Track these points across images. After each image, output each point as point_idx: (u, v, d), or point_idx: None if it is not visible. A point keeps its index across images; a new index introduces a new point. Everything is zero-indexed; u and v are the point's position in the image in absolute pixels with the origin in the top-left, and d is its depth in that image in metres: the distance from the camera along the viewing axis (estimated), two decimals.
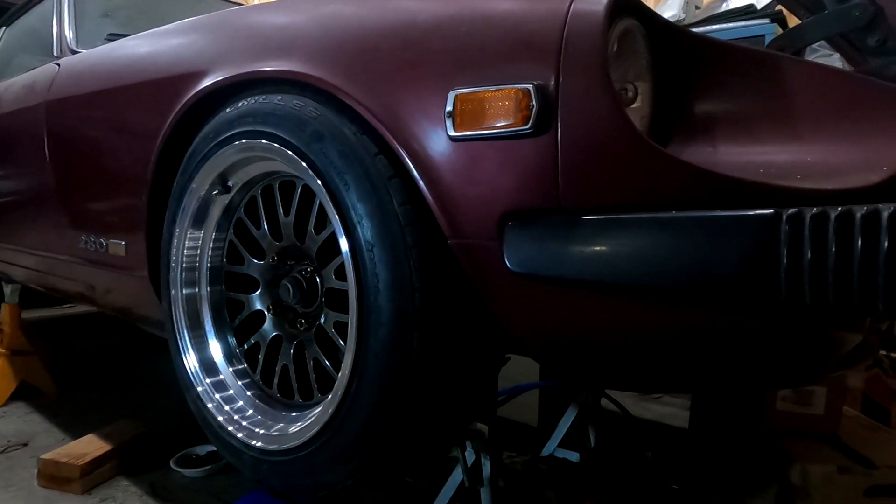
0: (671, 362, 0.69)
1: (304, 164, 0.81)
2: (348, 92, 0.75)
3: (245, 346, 1.02)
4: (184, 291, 1.00)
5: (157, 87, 1.05)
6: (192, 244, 1.00)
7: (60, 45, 1.68)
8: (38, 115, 1.44)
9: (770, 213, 0.53)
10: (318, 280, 0.92)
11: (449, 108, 0.68)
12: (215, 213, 1.01)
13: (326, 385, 0.88)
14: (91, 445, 1.44)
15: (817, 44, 2.66)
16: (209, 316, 1.00)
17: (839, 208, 0.50)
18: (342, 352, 0.86)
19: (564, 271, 0.64)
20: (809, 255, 0.50)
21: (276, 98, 0.85)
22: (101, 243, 1.31)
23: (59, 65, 1.49)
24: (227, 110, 0.92)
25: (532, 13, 0.66)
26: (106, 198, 1.25)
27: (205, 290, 1.00)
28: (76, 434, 1.55)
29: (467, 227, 0.69)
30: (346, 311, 0.85)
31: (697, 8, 2.89)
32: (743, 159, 0.68)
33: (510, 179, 0.66)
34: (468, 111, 0.66)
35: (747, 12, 2.70)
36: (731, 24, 2.74)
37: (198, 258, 1.00)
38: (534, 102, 0.62)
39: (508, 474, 1.46)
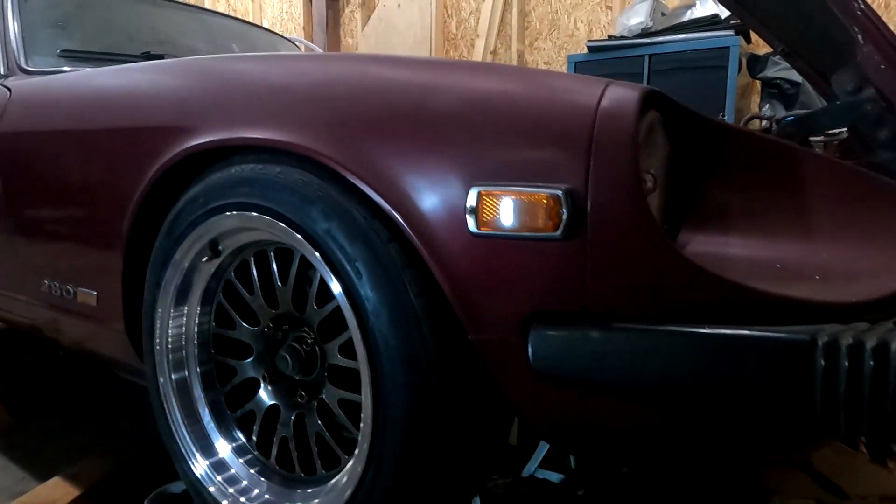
0: (680, 449, 0.71)
1: (309, 245, 0.77)
2: (358, 174, 0.72)
3: (238, 412, 0.98)
4: (173, 377, 0.95)
5: (136, 136, 0.98)
6: (176, 323, 0.95)
7: (6, 60, 1.54)
8: None
9: (806, 339, 0.54)
10: (318, 349, 0.89)
11: (471, 203, 0.66)
12: (201, 280, 0.95)
13: (332, 460, 0.86)
14: (58, 491, 1.36)
15: (776, 56, 2.72)
16: (204, 402, 0.95)
17: (875, 339, 0.51)
18: (348, 428, 0.83)
19: (591, 376, 0.63)
20: (845, 388, 0.51)
21: (276, 169, 0.80)
22: (67, 290, 1.23)
23: (8, 89, 1.37)
24: (218, 175, 0.87)
25: (558, 107, 0.64)
26: (73, 245, 1.17)
27: (195, 370, 0.95)
28: (37, 471, 1.45)
29: (489, 324, 0.68)
30: (352, 389, 0.83)
31: (663, 14, 2.93)
32: (758, 253, 0.69)
33: (536, 280, 0.64)
34: (492, 210, 0.64)
35: (713, 22, 2.76)
36: (697, 35, 2.79)
37: (184, 336, 0.95)
38: (564, 210, 0.61)
39: (491, 497, 1.47)
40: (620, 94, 0.63)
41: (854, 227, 0.68)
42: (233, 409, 0.99)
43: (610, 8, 3.53)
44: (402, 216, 0.70)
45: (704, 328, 0.58)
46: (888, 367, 0.50)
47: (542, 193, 0.62)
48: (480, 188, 0.65)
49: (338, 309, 0.82)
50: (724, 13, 2.81)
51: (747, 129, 0.73)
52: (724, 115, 2.65)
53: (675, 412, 0.64)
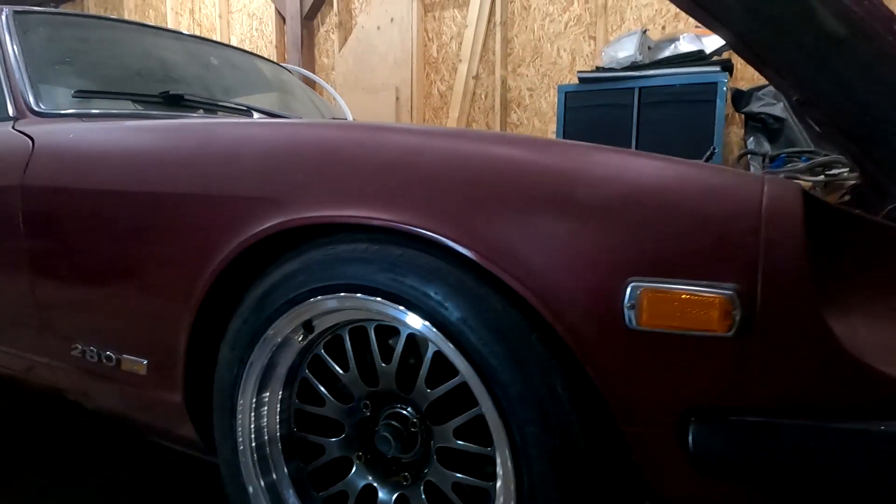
0: None
1: (441, 333, 0.74)
2: (498, 263, 0.70)
3: (323, 494, 0.94)
4: (262, 483, 0.90)
5: (215, 204, 0.92)
6: (260, 414, 0.91)
7: (14, 102, 1.44)
8: (10, 199, 1.23)
9: None
10: (423, 428, 0.86)
11: (631, 300, 0.65)
12: (288, 358, 0.91)
13: None
14: None
15: (761, 91, 2.85)
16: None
17: None
18: None
19: (758, 470, 0.64)
20: None
21: (396, 251, 0.78)
22: (108, 356, 1.15)
23: (30, 138, 1.27)
24: (321, 252, 0.83)
25: (722, 204, 0.65)
26: (120, 311, 1.09)
27: (283, 471, 0.91)
28: None
29: (644, 417, 0.67)
30: (466, 472, 0.81)
31: (650, 48, 3.02)
32: (886, 338, 0.71)
33: (699, 376, 0.65)
34: (657, 309, 0.64)
35: (699, 58, 2.87)
36: (684, 70, 2.90)
37: (266, 430, 0.91)
38: (738, 310, 0.61)
39: None
40: (782, 192, 0.64)
41: None
42: (318, 488, 0.95)
43: (593, 38, 3.62)
44: (548, 309, 0.69)
45: (880, 426, 0.60)
46: None
47: (714, 294, 0.62)
48: (641, 284, 0.65)
49: (453, 390, 0.80)
50: (709, 49, 2.93)
51: (860, 213, 0.76)
52: (714, 148, 2.76)
53: (824, 498, 0.65)
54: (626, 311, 0.66)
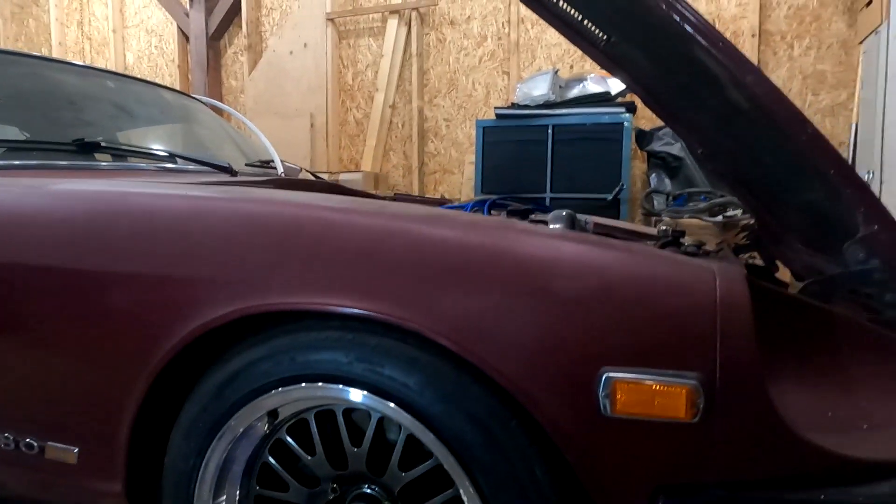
0: None
1: (416, 420, 0.75)
2: (477, 354, 0.73)
3: None
4: None
5: (165, 286, 0.88)
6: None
7: None
8: None
9: None
10: None
11: (604, 390, 0.70)
12: (248, 447, 0.88)
13: None
14: None
15: (661, 131, 3.10)
16: None
17: None
18: None
19: None
20: None
21: (372, 341, 0.78)
22: (28, 444, 1.04)
23: None
24: (291, 337, 0.82)
25: (683, 298, 0.71)
26: (45, 396, 1.00)
27: None
28: None
29: (618, 496, 0.72)
30: None
31: (561, 87, 3.20)
32: (813, 406, 0.81)
33: (667, 457, 0.70)
34: (629, 398, 0.69)
35: (604, 99, 3.08)
36: (592, 110, 3.10)
37: None
38: (701, 399, 0.68)
39: None
40: (732, 284, 0.71)
41: (880, 381, 0.83)
42: None
43: (507, 73, 3.78)
44: (524, 398, 0.72)
45: (821, 495, 0.68)
46: None
47: (680, 384, 0.68)
48: (614, 374, 0.70)
49: (424, 474, 0.81)
50: (614, 90, 3.15)
51: (790, 294, 0.86)
52: (623, 185, 2.96)
53: None
54: (601, 399, 0.70)
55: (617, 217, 3.03)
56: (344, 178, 3.73)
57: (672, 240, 1.42)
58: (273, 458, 0.91)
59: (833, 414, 0.82)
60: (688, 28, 0.91)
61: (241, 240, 0.86)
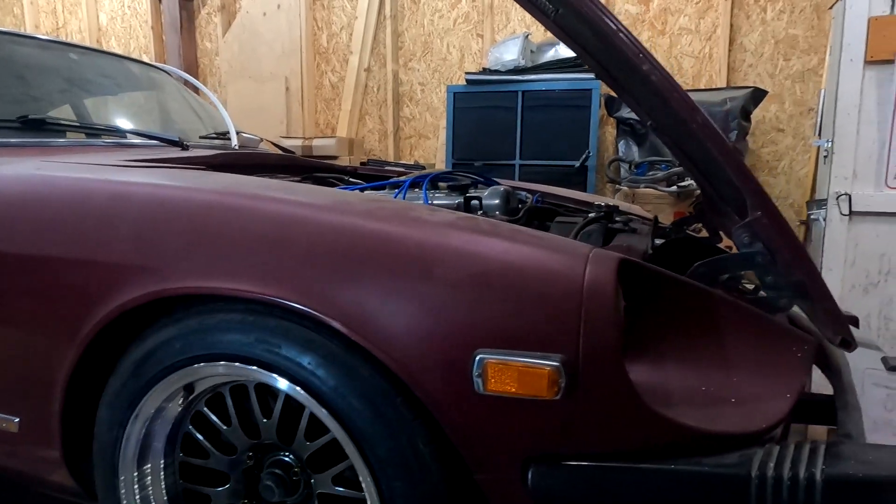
0: None
1: (312, 398, 0.81)
2: (366, 336, 0.78)
3: None
4: None
5: (86, 270, 0.92)
6: (144, 483, 0.94)
7: None
8: None
9: (744, 474, 0.72)
10: (304, 474, 0.93)
11: (477, 370, 0.75)
12: (168, 419, 0.94)
13: None
14: None
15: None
16: None
17: (789, 473, 0.71)
18: None
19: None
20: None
21: (271, 322, 0.83)
22: None
23: None
24: (197, 320, 0.87)
25: (551, 283, 0.76)
26: None
27: None
28: None
29: (492, 466, 0.79)
30: None
31: (532, 52, 3.18)
32: (688, 382, 0.87)
33: (534, 431, 0.77)
34: (499, 377, 0.75)
35: (576, 64, 3.06)
36: (562, 76, 3.08)
37: (153, 497, 0.94)
38: (563, 379, 0.73)
39: None
40: (600, 272, 0.76)
41: (753, 358, 0.89)
42: None
43: (481, 36, 3.73)
44: (408, 377, 0.77)
45: (671, 464, 0.75)
46: (802, 487, 0.71)
47: (543, 366, 0.74)
48: (486, 356, 0.75)
49: (329, 443, 0.88)
50: None
51: (673, 275, 0.91)
52: (589, 152, 2.98)
53: None
54: (474, 378, 0.76)
55: (584, 184, 3.06)
56: (318, 143, 3.73)
57: (605, 215, 1.47)
58: (195, 428, 0.97)
59: (706, 389, 0.88)
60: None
61: (154, 225, 0.90)
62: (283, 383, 0.84)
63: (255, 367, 0.84)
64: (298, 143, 3.70)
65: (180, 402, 0.93)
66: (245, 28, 4.20)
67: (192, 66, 4.52)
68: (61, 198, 0.98)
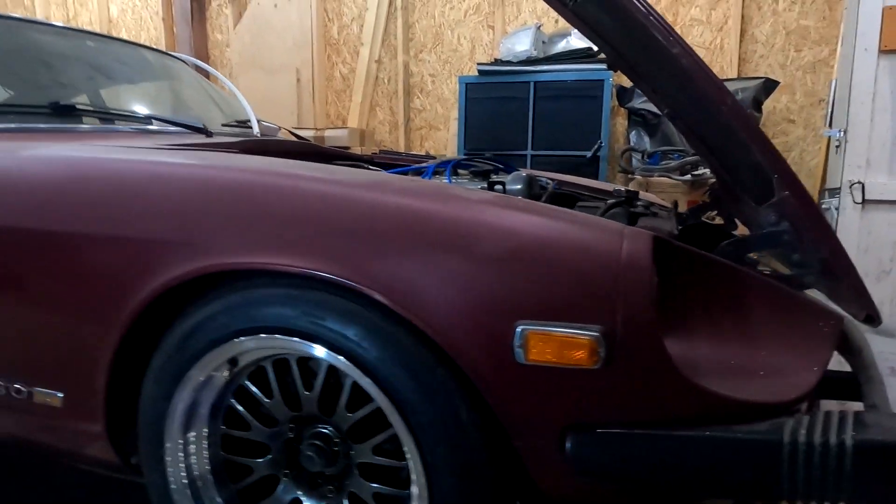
0: None
1: (357, 368, 0.84)
2: (410, 310, 0.81)
3: None
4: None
5: (129, 247, 0.95)
6: (188, 451, 0.98)
7: None
8: None
9: (777, 440, 0.75)
10: (344, 445, 0.96)
11: (519, 341, 0.78)
12: (212, 392, 0.97)
13: None
14: None
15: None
16: None
17: (820, 440, 0.74)
18: None
19: (615, 470, 0.80)
20: (804, 467, 0.74)
21: (316, 296, 0.86)
22: (17, 389, 1.14)
23: None
24: (241, 295, 0.90)
25: (589, 258, 0.79)
26: (30, 346, 1.09)
27: (216, 498, 0.98)
28: None
29: (531, 433, 0.82)
30: (385, 482, 0.93)
31: (544, 42, 3.19)
32: (718, 355, 0.90)
33: (573, 400, 0.80)
34: (540, 347, 0.78)
35: (588, 55, 3.08)
36: (575, 66, 3.10)
37: (196, 465, 0.98)
38: (602, 349, 0.76)
39: None
40: (637, 248, 0.79)
41: (780, 332, 0.92)
42: None
43: (492, 27, 3.74)
44: (450, 348, 0.80)
45: (705, 431, 0.78)
46: (833, 453, 0.73)
47: (583, 336, 0.76)
48: (527, 327, 0.78)
49: (370, 414, 0.91)
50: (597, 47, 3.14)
51: (702, 253, 0.93)
52: (601, 142, 3.00)
53: (670, 490, 0.83)
54: (515, 349, 0.79)
55: (596, 174, 3.09)
56: (329, 134, 3.75)
57: (626, 200, 1.49)
58: (237, 401, 1.00)
59: (736, 362, 0.90)
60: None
61: (197, 204, 0.93)
62: (326, 354, 0.87)
63: (299, 339, 0.87)
64: (311, 133, 3.72)
65: (225, 373, 0.96)
66: (256, 19, 4.22)
67: (202, 57, 4.54)
68: (108, 178, 1.01)
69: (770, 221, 0.96)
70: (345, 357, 0.85)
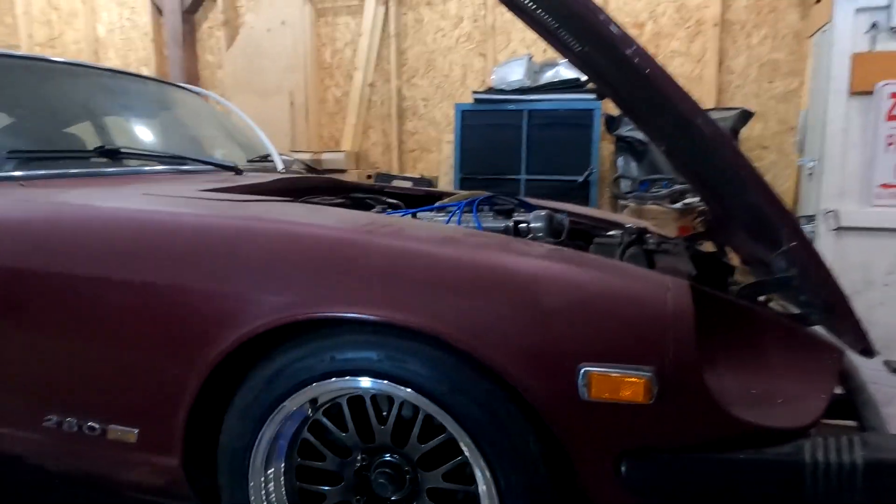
0: None
1: (434, 404, 0.96)
2: (489, 357, 0.93)
3: None
4: None
5: (219, 298, 1.05)
6: (268, 479, 1.08)
7: None
8: None
9: (801, 461, 0.89)
10: (412, 474, 1.07)
11: (583, 381, 0.91)
12: (292, 427, 1.07)
13: None
14: None
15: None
16: None
17: (835, 459, 0.88)
18: None
19: (669, 491, 0.94)
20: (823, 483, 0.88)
21: (397, 342, 0.97)
22: (90, 427, 1.22)
23: None
24: (331, 340, 1.00)
25: (643, 309, 0.92)
26: (108, 386, 1.17)
27: None
28: None
29: (591, 459, 0.95)
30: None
31: (535, 72, 3.35)
32: (740, 385, 1.05)
33: (629, 430, 0.93)
34: (601, 386, 0.91)
35: (576, 85, 3.25)
36: (565, 96, 3.27)
37: (273, 492, 1.08)
38: (655, 387, 0.90)
39: None
40: (680, 298, 0.93)
41: (793, 364, 1.07)
42: None
43: (483, 55, 3.90)
44: (521, 387, 0.93)
45: (740, 454, 0.92)
46: (846, 470, 0.88)
47: (639, 377, 0.90)
48: (590, 368, 0.91)
49: (440, 445, 1.02)
50: (584, 76, 3.32)
51: (724, 296, 1.08)
52: (592, 168, 3.17)
53: None
54: (579, 387, 0.92)
55: (587, 197, 3.26)
56: (327, 157, 3.84)
57: (637, 237, 1.64)
58: (312, 435, 1.10)
59: (756, 392, 1.05)
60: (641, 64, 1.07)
61: (284, 259, 1.04)
62: (409, 394, 0.98)
63: (384, 382, 0.98)
64: (308, 156, 3.81)
65: (308, 411, 1.06)
66: (249, 42, 4.29)
67: (193, 79, 4.58)
68: (193, 231, 1.10)
69: (781, 268, 1.11)
70: (425, 395, 0.97)
